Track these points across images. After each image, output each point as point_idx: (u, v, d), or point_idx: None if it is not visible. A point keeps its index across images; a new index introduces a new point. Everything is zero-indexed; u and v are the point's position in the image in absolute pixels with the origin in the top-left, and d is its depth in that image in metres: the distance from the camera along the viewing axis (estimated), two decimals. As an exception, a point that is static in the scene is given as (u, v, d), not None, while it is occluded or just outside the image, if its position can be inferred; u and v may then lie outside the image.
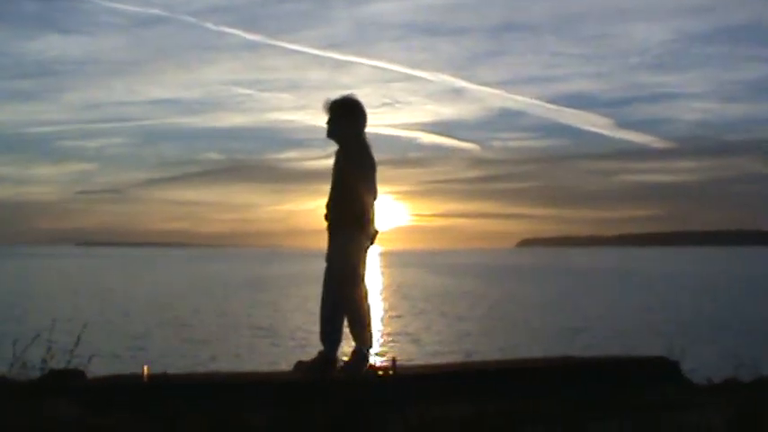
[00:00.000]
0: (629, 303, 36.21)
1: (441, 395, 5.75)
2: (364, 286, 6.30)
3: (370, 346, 6.39)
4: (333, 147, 6.43)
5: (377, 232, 6.35)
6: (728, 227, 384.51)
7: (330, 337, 6.41)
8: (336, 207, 6.25)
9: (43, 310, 29.38)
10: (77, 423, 5.10)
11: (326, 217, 6.33)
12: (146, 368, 6.18)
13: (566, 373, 6.47)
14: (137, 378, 6.13)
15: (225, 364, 16.65)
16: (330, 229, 6.30)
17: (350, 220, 6.17)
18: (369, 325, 6.36)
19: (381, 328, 27.03)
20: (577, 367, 6.75)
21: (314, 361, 6.41)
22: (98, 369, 7.19)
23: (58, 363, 6.45)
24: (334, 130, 6.30)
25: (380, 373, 6.26)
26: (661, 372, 6.60)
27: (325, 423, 5.06)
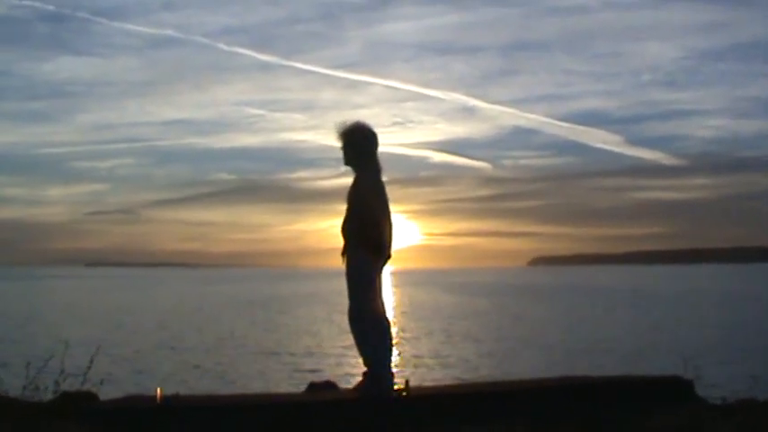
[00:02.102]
0: (642, 322, 35.99)
1: (454, 417, 5.73)
2: (380, 307, 6.27)
3: (383, 368, 6.30)
4: (343, 166, 6.45)
5: (389, 256, 6.34)
6: (742, 244, 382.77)
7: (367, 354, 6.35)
8: (352, 231, 6.24)
9: (55, 332, 29.39)
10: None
11: (344, 239, 6.35)
12: (159, 390, 6.17)
13: (580, 394, 6.43)
14: (150, 400, 6.13)
15: (237, 386, 16.63)
16: (346, 251, 6.30)
17: (365, 244, 6.17)
18: (381, 347, 6.28)
19: (394, 347, 26.97)
20: (591, 388, 6.70)
21: (362, 382, 6.38)
22: (111, 391, 7.19)
23: (70, 385, 6.46)
24: (350, 158, 6.33)
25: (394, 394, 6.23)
26: (675, 392, 6.56)
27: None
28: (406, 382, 6.36)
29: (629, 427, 5.45)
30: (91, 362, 6.68)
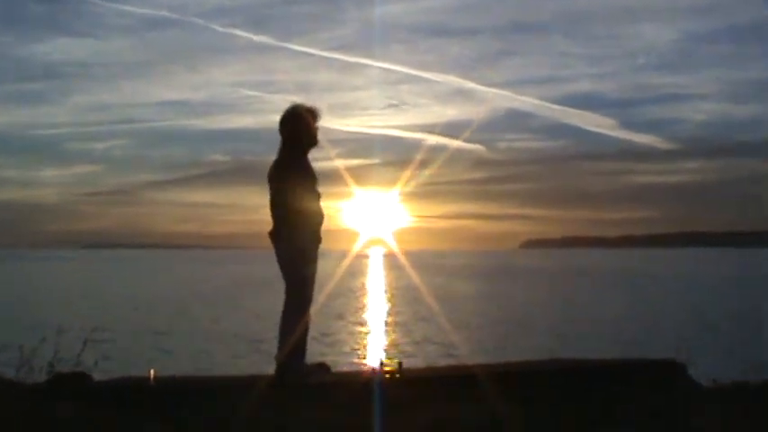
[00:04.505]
0: (635, 305, 36.09)
1: (447, 398, 5.75)
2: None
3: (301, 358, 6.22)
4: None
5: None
6: (736, 228, 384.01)
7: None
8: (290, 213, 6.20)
9: (50, 314, 29.39)
10: (82, 425, 5.10)
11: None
12: (152, 371, 6.18)
13: (571, 376, 6.45)
14: (143, 381, 6.14)
15: (231, 368, 16.67)
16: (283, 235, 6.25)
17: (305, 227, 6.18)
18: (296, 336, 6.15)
19: (387, 329, 27.04)
20: (583, 369, 6.72)
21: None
22: (105, 372, 7.20)
23: (64, 366, 6.47)
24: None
25: (387, 375, 6.25)
26: (668, 374, 6.58)
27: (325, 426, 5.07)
28: (399, 363, 6.38)
29: (621, 409, 5.47)
30: (84, 343, 6.69)
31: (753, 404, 5.30)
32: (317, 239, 6.23)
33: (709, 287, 51.47)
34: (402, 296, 44.02)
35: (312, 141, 6.24)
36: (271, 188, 6.17)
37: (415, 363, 17.03)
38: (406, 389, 5.93)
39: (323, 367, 6.72)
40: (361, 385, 6.02)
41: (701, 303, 36.97)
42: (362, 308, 36.01)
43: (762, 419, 4.87)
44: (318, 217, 6.22)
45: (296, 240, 6.10)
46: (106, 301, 39.32)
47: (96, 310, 33.15)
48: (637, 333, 24.31)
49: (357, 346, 22.55)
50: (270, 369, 6.20)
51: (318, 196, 6.22)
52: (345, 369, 12.67)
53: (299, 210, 6.08)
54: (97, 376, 6.50)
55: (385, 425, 5.15)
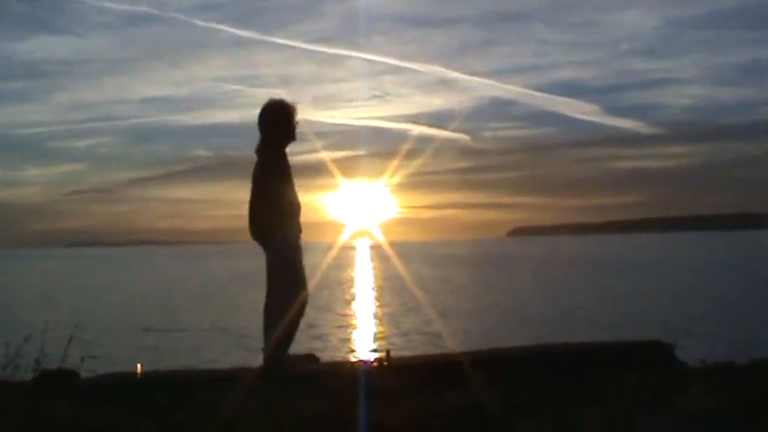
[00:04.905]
0: (622, 290, 36.25)
1: (435, 385, 5.75)
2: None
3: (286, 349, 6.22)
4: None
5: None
6: (721, 211, 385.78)
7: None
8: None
9: (34, 313, 29.23)
10: (71, 422, 5.08)
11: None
12: (139, 366, 6.17)
13: (560, 360, 6.47)
14: (130, 376, 6.12)
15: (216, 362, 16.64)
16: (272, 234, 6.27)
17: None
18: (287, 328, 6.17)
19: (374, 320, 27.08)
20: (572, 353, 6.74)
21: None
22: (91, 369, 7.17)
23: (50, 363, 6.44)
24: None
25: (375, 364, 6.25)
26: (655, 355, 6.61)
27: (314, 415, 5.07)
28: (387, 352, 6.39)
29: (609, 389, 5.50)
30: (70, 340, 6.66)
31: (738, 381, 5.33)
32: (300, 230, 6.26)
33: (696, 271, 51.71)
34: (389, 287, 44.06)
35: (291, 136, 6.25)
36: (256, 186, 6.17)
37: (403, 352, 17.07)
38: (394, 377, 5.94)
39: (310, 358, 6.72)
40: (348, 374, 6.02)
41: (687, 287, 37.16)
42: (350, 299, 36.03)
43: (746, 395, 4.90)
44: (300, 209, 6.25)
45: (288, 234, 6.14)
46: (91, 299, 39.20)
47: (81, 307, 33.03)
48: (624, 317, 24.44)
49: (345, 338, 22.57)
50: (257, 362, 6.19)
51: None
52: (333, 359, 12.66)
53: (289, 204, 6.11)
54: (84, 373, 6.48)
55: (372, 412, 5.15)
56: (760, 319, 23.32)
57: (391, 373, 6.05)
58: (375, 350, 19.82)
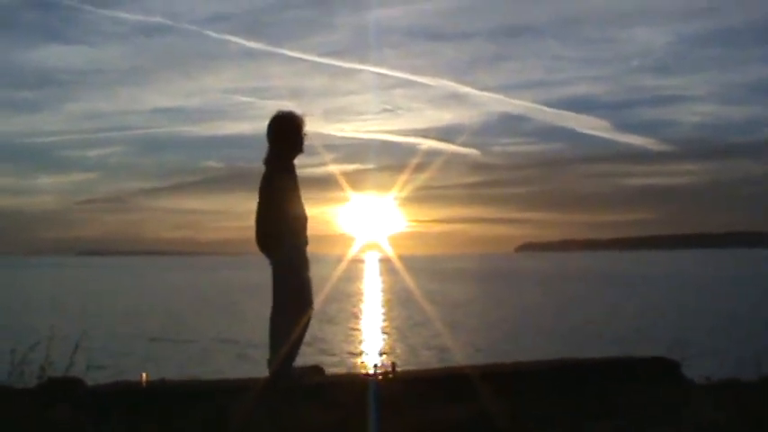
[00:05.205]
0: (631, 306, 36.14)
1: (440, 398, 5.74)
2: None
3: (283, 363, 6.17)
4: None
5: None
6: (730, 229, 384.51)
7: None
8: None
9: (43, 320, 29.30)
10: (75, 429, 5.09)
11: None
12: (144, 375, 6.17)
13: (567, 375, 6.45)
14: (135, 385, 6.13)
15: (221, 373, 16.63)
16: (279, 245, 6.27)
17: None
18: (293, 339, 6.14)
19: (382, 333, 27.04)
20: (579, 368, 6.72)
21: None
22: (97, 377, 7.18)
23: (56, 371, 6.44)
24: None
25: (380, 376, 6.24)
26: (661, 371, 6.59)
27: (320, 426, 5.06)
28: (393, 365, 6.38)
29: (616, 405, 5.48)
30: (76, 348, 6.66)
31: (743, 398, 5.31)
32: (306, 242, 6.27)
33: (704, 288, 51.55)
34: (398, 300, 44.00)
35: (298, 148, 6.27)
36: (262, 198, 6.18)
37: (410, 366, 17.03)
38: (400, 389, 5.93)
39: (317, 370, 6.71)
40: (355, 386, 6.02)
41: (695, 303, 37.04)
42: (358, 313, 35.99)
43: (753, 410, 4.89)
44: (306, 221, 6.26)
45: (294, 246, 6.16)
46: (99, 308, 39.24)
47: (89, 316, 33.11)
48: (631, 333, 24.35)
49: (352, 351, 22.53)
50: (263, 373, 6.19)
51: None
52: (340, 371, 12.66)
53: (296, 215, 6.13)
54: (89, 381, 6.48)
55: (380, 424, 5.14)
56: (767, 335, 23.23)
57: (397, 386, 6.04)
58: (381, 363, 19.79)
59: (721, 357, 17.03)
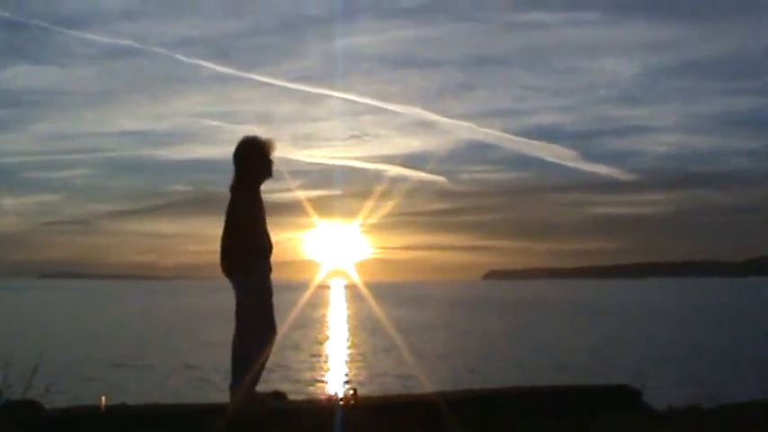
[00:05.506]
0: (594, 335, 36.30)
1: (404, 426, 5.73)
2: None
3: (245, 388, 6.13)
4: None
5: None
6: (694, 258, 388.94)
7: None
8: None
9: (1, 343, 28.89)
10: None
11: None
12: (103, 399, 6.10)
13: (529, 403, 6.47)
14: (94, 409, 6.05)
15: (181, 397, 16.47)
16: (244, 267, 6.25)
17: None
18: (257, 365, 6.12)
19: (346, 360, 26.94)
20: (541, 396, 6.75)
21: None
22: (55, 401, 7.08)
23: (13, 394, 6.35)
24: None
25: (342, 403, 6.22)
26: (623, 400, 6.63)
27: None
28: (354, 390, 6.35)
29: (578, 431, 5.50)
30: (34, 371, 6.58)
31: (703, 425, 5.35)
32: (270, 269, 6.25)
33: (667, 316, 51.96)
34: (363, 327, 43.89)
35: (266, 173, 6.26)
36: (229, 221, 6.16)
37: (374, 392, 16.98)
38: (362, 417, 5.91)
39: (278, 396, 6.67)
40: (316, 412, 5.99)
41: (658, 332, 37.30)
42: (323, 339, 35.84)
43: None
44: (272, 247, 6.25)
45: (260, 270, 6.13)
46: (60, 331, 38.75)
47: (50, 339, 32.63)
48: (594, 361, 24.46)
49: (315, 377, 22.42)
50: (225, 398, 6.14)
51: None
52: (302, 398, 12.58)
53: (261, 241, 6.11)
54: (48, 405, 6.39)
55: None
56: (729, 363, 23.44)
57: (359, 413, 6.02)
58: (343, 389, 19.71)
59: (683, 385, 17.16)
